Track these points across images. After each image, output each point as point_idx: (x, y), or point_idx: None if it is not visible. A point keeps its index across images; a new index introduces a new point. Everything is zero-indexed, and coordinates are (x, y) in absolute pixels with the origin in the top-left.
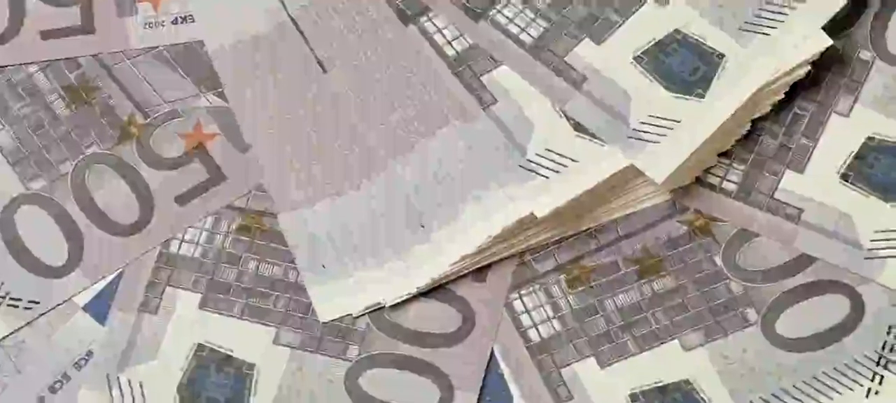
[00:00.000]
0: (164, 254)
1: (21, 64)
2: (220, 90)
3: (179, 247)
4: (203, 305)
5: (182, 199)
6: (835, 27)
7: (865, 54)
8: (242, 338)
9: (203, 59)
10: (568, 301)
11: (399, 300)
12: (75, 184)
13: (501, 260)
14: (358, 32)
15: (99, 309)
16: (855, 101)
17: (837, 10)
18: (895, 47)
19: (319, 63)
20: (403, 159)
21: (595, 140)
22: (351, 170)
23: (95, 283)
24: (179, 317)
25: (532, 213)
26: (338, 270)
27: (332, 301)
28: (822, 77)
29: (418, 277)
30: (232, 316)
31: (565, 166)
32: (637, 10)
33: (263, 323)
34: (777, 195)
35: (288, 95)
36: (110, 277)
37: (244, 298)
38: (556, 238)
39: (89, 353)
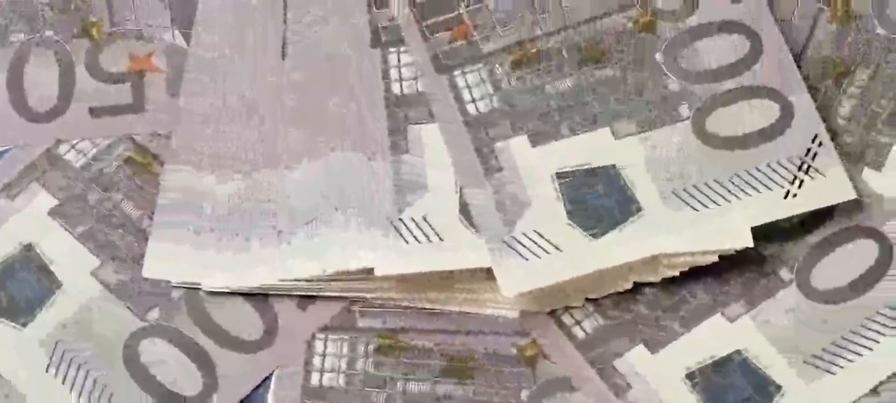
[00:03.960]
0: (49, 152)
1: None
2: (188, 32)
3: (67, 151)
4: (54, 212)
5: (95, 112)
6: (767, 234)
7: (786, 275)
8: (68, 258)
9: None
10: (366, 363)
11: (218, 289)
12: (15, 58)
13: (330, 298)
14: None
15: None
16: (745, 313)
17: (776, 218)
18: (819, 283)
19: (283, 46)
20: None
21: (470, 228)
22: (349, 130)
23: None
24: (28, 212)
25: (371, 269)
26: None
27: (163, 260)
28: (730, 275)
29: (247, 276)
30: (72, 233)
31: (429, 240)
32: (588, 131)
33: (94, 253)
34: (617, 363)
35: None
36: None
37: (92, 223)
38: (396, 302)
39: None
